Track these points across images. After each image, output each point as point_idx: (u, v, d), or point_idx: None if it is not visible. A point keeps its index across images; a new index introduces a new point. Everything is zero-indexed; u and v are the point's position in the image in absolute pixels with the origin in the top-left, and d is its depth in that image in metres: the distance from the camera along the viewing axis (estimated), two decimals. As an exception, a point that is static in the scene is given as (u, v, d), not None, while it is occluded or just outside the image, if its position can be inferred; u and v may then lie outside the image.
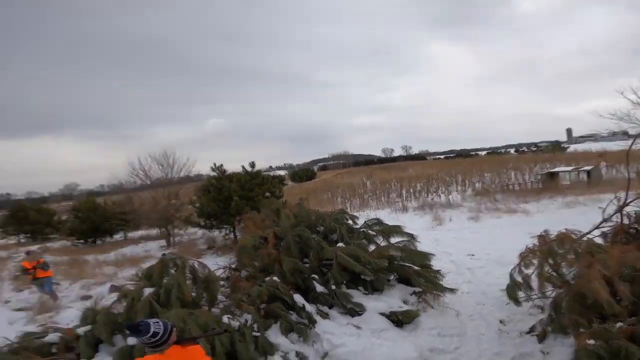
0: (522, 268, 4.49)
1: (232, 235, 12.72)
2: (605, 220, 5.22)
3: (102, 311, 3.93)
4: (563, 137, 78.47)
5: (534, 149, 57.35)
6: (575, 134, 75.40)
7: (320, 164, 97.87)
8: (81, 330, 3.71)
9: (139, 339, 2.30)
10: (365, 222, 6.33)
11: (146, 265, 10.15)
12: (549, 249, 4.33)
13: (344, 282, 4.89)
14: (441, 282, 5.12)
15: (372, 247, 5.61)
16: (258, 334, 3.71)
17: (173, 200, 14.67)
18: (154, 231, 16.73)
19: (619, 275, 3.44)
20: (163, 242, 14.49)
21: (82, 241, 17.46)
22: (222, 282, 4.92)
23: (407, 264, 5.22)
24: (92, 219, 17.12)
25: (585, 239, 4.48)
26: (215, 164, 12.67)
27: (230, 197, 11.51)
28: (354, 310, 4.52)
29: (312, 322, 4.20)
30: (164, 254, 4.82)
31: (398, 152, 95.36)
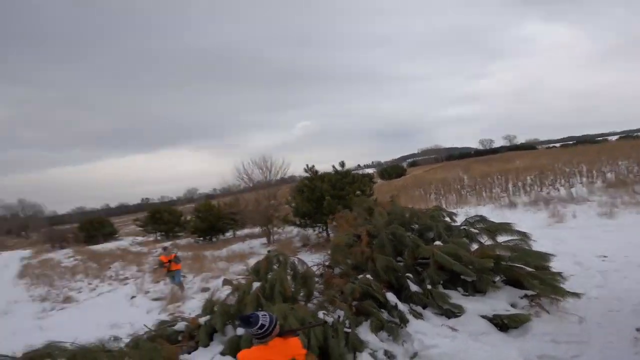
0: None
1: (325, 234, 13.08)
2: None
3: (218, 303, 4.33)
4: None
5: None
6: None
7: (410, 160, 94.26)
8: (202, 320, 4.09)
9: (248, 330, 2.48)
10: (466, 219, 5.90)
11: (251, 260, 11.27)
12: None
13: (441, 282, 4.65)
14: (562, 286, 4.48)
15: (474, 246, 5.20)
16: (349, 330, 3.75)
17: (272, 201, 15.82)
18: (257, 229, 18.32)
19: None
20: (264, 240, 15.64)
21: (202, 238, 20.00)
22: (316, 279, 5.07)
23: (518, 265, 4.70)
24: (209, 219, 19.45)
25: None
26: (307, 165, 13.24)
27: (323, 197, 11.87)
28: (451, 312, 4.28)
29: (404, 321, 4.13)
30: (269, 251, 5.23)
31: (499, 142, 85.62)
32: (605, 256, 6.54)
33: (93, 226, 30.36)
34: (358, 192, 12.27)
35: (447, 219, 6.06)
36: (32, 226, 60.57)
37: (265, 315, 2.38)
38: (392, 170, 53.23)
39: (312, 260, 6.35)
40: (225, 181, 20.49)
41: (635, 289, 4.77)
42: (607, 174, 16.91)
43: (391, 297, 4.34)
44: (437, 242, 5.02)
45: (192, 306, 6.87)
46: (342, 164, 12.82)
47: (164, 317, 6.15)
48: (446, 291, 4.54)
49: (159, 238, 25.52)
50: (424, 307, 4.45)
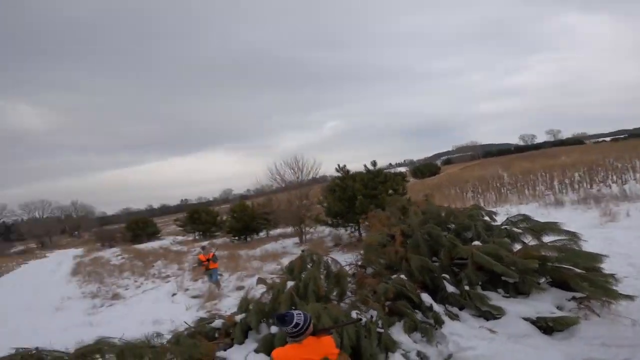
0: None
1: (357, 233, 12.98)
2: None
3: (253, 301, 4.40)
4: None
5: None
6: None
7: (444, 157, 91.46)
8: (237, 318, 4.18)
9: (282, 328, 2.51)
10: (507, 218, 5.62)
11: (284, 260, 11.41)
12: None
13: (480, 283, 4.48)
14: (614, 288, 4.18)
15: (517, 247, 4.96)
16: (382, 330, 3.71)
17: (304, 200, 15.94)
18: (289, 229, 18.55)
19: None
20: (296, 240, 15.80)
21: (236, 238, 20.62)
22: (348, 279, 5.03)
23: (566, 266, 4.44)
24: (244, 219, 19.98)
25: None
26: (339, 165, 13.21)
27: (354, 196, 11.78)
28: (490, 314, 4.12)
29: (439, 322, 4.04)
30: (303, 251, 5.27)
31: (541, 137, 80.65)
32: (664, 258, 5.95)
33: (138, 226, 32.27)
34: (390, 192, 12.07)
35: (487, 218, 5.83)
36: (84, 226, 65.52)
37: (299, 313, 2.41)
38: (425, 169, 51.85)
39: (345, 259, 6.32)
40: (259, 182, 20.89)
41: (703, 293, 4.28)
42: (669, 169, 15.38)
43: (426, 297, 4.26)
44: (476, 242, 4.83)
45: (228, 304, 7.06)
46: (374, 163, 12.66)
47: (202, 314, 6.36)
48: (485, 292, 4.38)
49: (197, 237, 26.59)
50: (461, 309, 4.33)
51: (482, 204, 14.04)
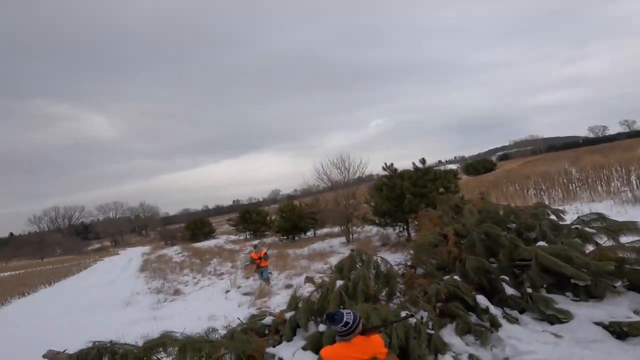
0: None
1: (405, 233, 12.65)
2: None
3: (302, 299, 4.47)
4: None
5: None
6: None
7: (499, 153, 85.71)
8: (287, 315, 4.25)
9: (332, 327, 2.54)
10: (578, 217, 5.19)
11: (331, 259, 11.42)
12: None
13: (545, 285, 4.22)
14: None
15: (589, 248, 4.61)
16: (432, 331, 3.65)
17: (351, 200, 15.86)
18: (336, 229, 18.56)
19: None
20: (343, 239, 15.74)
21: (285, 237, 21.19)
22: (397, 279, 4.94)
23: None
24: (292, 218, 20.43)
25: None
26: (386, 164, 12.94)
27: (403, 195, 11.46)
28: (555, 317, 3.89)
29: (496, 325, 3.90)
30: (352, 250, 5.24)
31: (614, 129, 72.02)
32: None
33: (196, 226, 34.53)
34: (441, 190, 11.57)
35: (553, 217, 5.44)
36: (150, 226, 71.68)
37: (349, 313, 2.43)
38: (479, 165, 48.87)
39: (393, 259, 6.17)
40: (306, 182, 21.21)
41: None
42: None
43: (482, 299, 4.10)
44: (541, 243, 4.52)
45: (277, 302, 7.21)
46: (423, 161, 12.21)
47: (253, 311, 6.56)
48: (551, 296, 4.15)
49: (248, 237, 27.69)
50: (521, 312, 4.14)
51: (546, 202, 12.89)
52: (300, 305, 4.33)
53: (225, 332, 4.42)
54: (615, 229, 4.75)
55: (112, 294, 12.36)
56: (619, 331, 3.63)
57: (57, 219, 70.55)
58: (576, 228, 4.94)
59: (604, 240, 4.71)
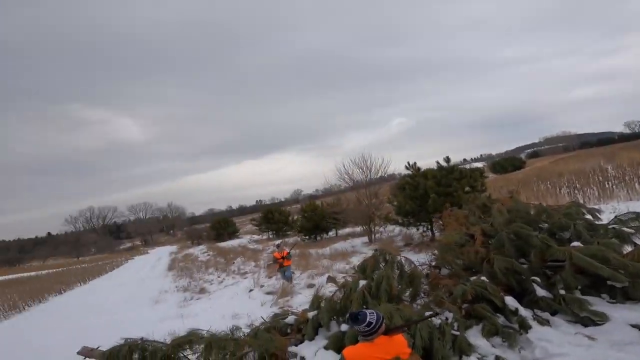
0: None
1: (429, 233, 12.40)
2: None
3: (325, 299, 4.47)
4: None
5: None
6: None
7: (529, 150, 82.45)
8: (310, 315, 4.27)
9: (355, 327, 2.53)
10: (616, 216, 4.94)
11: (353, 259, 11.35)
12: None
13: (579, 287, 4.08)
14: None
15: (627, 248, 4.45)
16: (457, 333, 3.61)
17: (373, 199, 15.72)
18: (358, 228, 18.43)
19: None
20: (365, 239, 15.61)
21: (307, 237, 21.28)
22: (421, 279, 4.86)
23: None
24: (314, 218, 20.53)
25: None
26: (408, 162, 12.74)
27: (427, 194, 11.22)
28: (589, 320, 3.77)
29: (525, 327, 3.79)
30: (375, 250, 5.20)
31: (653, 124, 67.39)
32: None
33: (220, 225, 35.30)
34: (467, 189, 11.25)
35: (588, 216, 5.20)
36: (178, 225, 74.00)
37: (372, 313, 2.44)
38: (506, 163, 47.12)
39: (417, 259, 6.07)
40: (327, 182, 21.21)
41: None
42: None
43: (511, 301, 4.00)
44: (576, 243, 4.33)
45: (299, 301, 7.23)
46: (447, 159, 11.92)
47: (275, 309, 6.61)
48: (585, 297, 4.04)
49: (270, 236, 28.02)
50: (553, 314, 4.03)
51: (581, 201, 12.25)
52: (322, 304, 4.33)
53: (248, 330, 4.49)
54: (655, 228, 4.49)
55: (142, 291, 12.83)
56: (658, 334, 3.43)
57: (92, 219, 74.20)
58: (613, 228, 4.72)
59: (645, 240, 4.47)
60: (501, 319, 3.88)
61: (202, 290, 11.05)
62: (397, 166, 20.15)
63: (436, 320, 3.64)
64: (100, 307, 11.02)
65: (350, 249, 14.00)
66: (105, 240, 65.19)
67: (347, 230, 20.63)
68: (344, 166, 16.69)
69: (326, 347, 3.70)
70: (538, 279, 4.28)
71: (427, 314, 3.59)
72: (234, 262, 15.96)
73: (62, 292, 16.24)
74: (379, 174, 16.27)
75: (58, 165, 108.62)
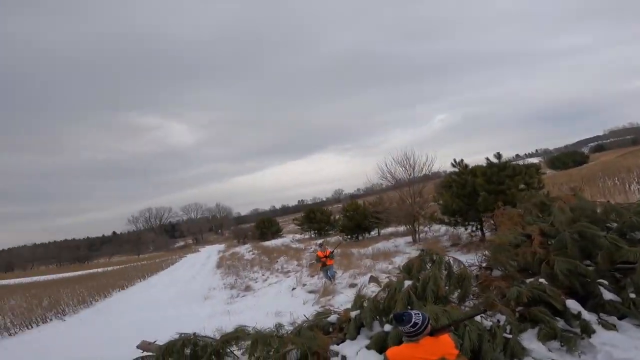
0: None
1: (479, 232, 11.74)
2: None
3: (367, 298, 4.45)
4: None
5: None
6: None
7: (592, 144, 75.10)
8: (352, 314, 4.27)
9: (400, 328, 2.52)
10: None
11: (396, 259, 11.06)
12: None
13: None
14: None
15: None
16: (509, 336, 3.50)
17: (417, 198, 15.24)
18: (401, 228, 17.96)
19: None
20: (409, 239, 15.22)
21: (349, 237, 21.17)
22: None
23: None
24: (356, 218, 20.38)
25: None
26: (455, 160, 12.17)
27: (476, 192, 10.64)
28: None
29: (588, 331, 3.64)
30: (422, 250, 5.04)
31: None
32: None
33: (264, 225, 36.34)
34: (522, 186, 10.49)
35: None
36: (225, 225, 77.59)
37: (418, 313, 2.41)
38: (567, 158, 43.31)
39: (465, 260, 5.77)
40: (369, 181, 20.94)
41: None
42: None
43: (573, 304, 3.84)
44: None
45: (341, 300, 7.18)
46: (498, 155, 11.18)
47: (317, 308, 6.61)
48: None
49: (312, 236, 28.28)
50: (620, 318, 3.85)
51: (657, 197, 10.88)
52: (365, 304, 4.31)
53: (291, 328, 4.55)
54: None
55: (193, 288, 13.55)
56: None
57: (150, 219, 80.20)
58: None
59: None
60: (560, 323, 3.72)
61: (247, 288, 11.40)
62: (442, 163, 19.27)
63: (486, 323, 3.51)
64: (156, 303, 11.79)
65: (393, 249, 13.69)
66: (162, 238, 70.14)
67: (390, 229, 20.23)
68: (386, 165, 16.35)
69: (368, 347, 3.67)
70: (605, 282, 4.06)
71: (477, 319, 3.46)
72: (277, 261, 16.30)
73: (125, 287, 17.64)
74: (423, 172, 15.71)
75: (120, 170, 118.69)
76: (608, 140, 72.54)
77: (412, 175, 15.64)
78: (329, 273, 9.43)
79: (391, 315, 3.77)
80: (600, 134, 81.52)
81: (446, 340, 2.46)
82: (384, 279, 6.84)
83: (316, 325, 4.41)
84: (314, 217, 28.22)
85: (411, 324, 2.36)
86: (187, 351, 4.00)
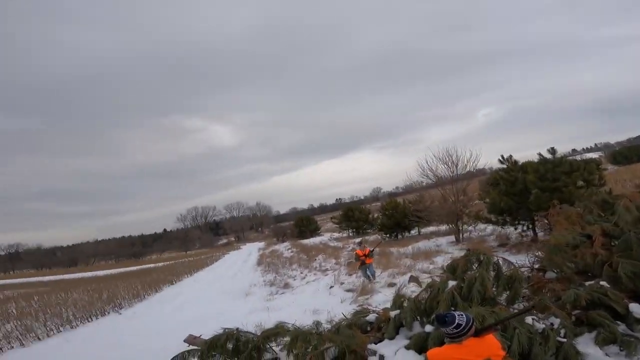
0: None
1: (530, 232, 10.97)
2: None
3: (408, 298, 4.36)
4: None
5: None
6: None
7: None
8: (392, 314, 4.19)
9: (442, 329, 2.43)
10: None
11: (437, 259, 10.65)
12: None
13: None
14: None
15: None
16: (564, 340, 3.36)
17: (461, 196, 14.58)
18: (443, 227, 17.27)
19: None
20: (452, 238, 14.64)
21: (388, 235, 20.79)
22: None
23: None
24: (395, 216, 20.00)
25: None
26: (502, 156, 11.45)
27: (527, 190, 9.95)
28: None
29: None
30: (468, 250, 4.84)
31: None
32: None
33: (303, 223, 36.84)
34: (580, 183, 9.66)
35: None
36: (265, 223, 79.79)
37: (461, 315, 2.35)
38: (630, 152, 39.22)
39: (516, 261, 5.43)
40: (409, 178, 20.38)
41: None
42: None
43: (636, 308, 3.64)
44: None
45: (379, 299, 7.03)
46: (553, 151, 10.37)
47: (355, 307, 6.52)
48: None
49: (351, 234, 28.14)
50: None
51: None
52: (405, 304, 4.21)
53: (329, 325, 4.55)
54: None
55: (235, 284, 14.00)
56: None
57: (197, 218, 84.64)
58: None
59: None
60: (621, 327, 3.55)
61: (286, 285, 11.56)
62: (488, 160, 18.23)
63: (539, 325, 3.39)
64: (201, 298, 12.34)
65: (435, 249, 13.21)
66: (207, 236, 73.71)
67: (431, 228, 19.59)
68: (426, 162, 15.80)
69: (407, 347, 3.58)
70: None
71: (529, 322, 3.29)
72: (315, 259, 16.39)
73: (174, 282, 18.70)
74: (467, 169, 14.98)
75: (170, 171, 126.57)
76: (683, 131, 64.54)
77: (455, 172, 14.99)
78: (368, 272, 9.30)
79: (433, 316, 3.67)
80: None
81: (491, 341, 2.36)
82: (424, 279, 6.59)
83: (354, 323, 4.38)
84: (352, 215, 28.07)
85: (454, 325, 2.28)
86: (230, 346, 4.13)
